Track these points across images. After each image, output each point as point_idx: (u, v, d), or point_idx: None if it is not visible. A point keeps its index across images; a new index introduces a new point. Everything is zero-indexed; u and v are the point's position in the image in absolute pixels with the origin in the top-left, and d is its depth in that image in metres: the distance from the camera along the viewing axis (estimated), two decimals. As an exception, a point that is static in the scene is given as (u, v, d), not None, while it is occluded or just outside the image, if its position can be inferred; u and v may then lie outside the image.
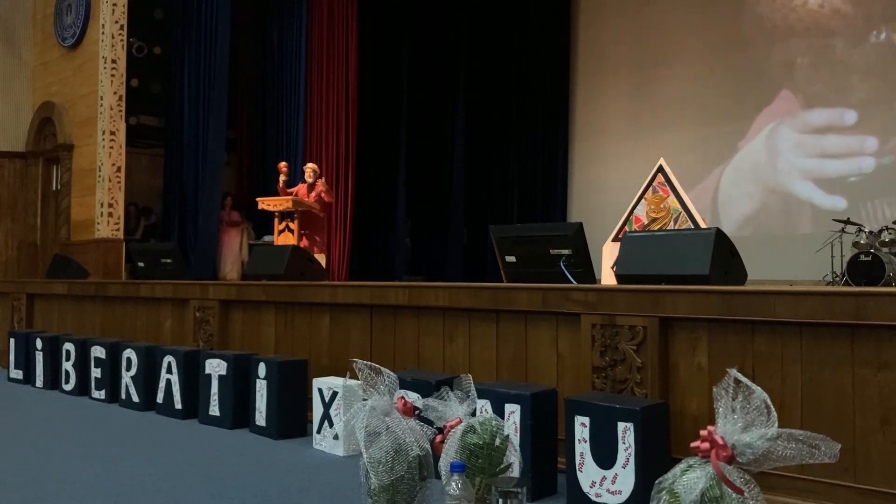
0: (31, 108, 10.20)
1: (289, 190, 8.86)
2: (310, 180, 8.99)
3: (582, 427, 3.01)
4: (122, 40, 9.08)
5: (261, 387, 4.44)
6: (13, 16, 10.28)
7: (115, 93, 8.98)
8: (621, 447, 2.88)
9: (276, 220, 8.79)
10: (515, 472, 2.77)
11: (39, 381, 6.30)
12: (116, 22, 9.01)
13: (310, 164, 9.23)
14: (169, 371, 5.03)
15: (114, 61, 8.99)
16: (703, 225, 7.17)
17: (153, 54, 10.59)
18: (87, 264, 8.32)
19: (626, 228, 7.30)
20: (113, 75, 8.97)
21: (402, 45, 12.42)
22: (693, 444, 1.90)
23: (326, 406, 4.04)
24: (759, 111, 10.48)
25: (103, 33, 9.00)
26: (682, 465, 1.92)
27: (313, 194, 8.87)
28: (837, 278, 8.98)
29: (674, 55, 12.00)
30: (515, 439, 3.08)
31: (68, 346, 5.99)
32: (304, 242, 8.61)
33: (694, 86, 11.77)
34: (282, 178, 8.83)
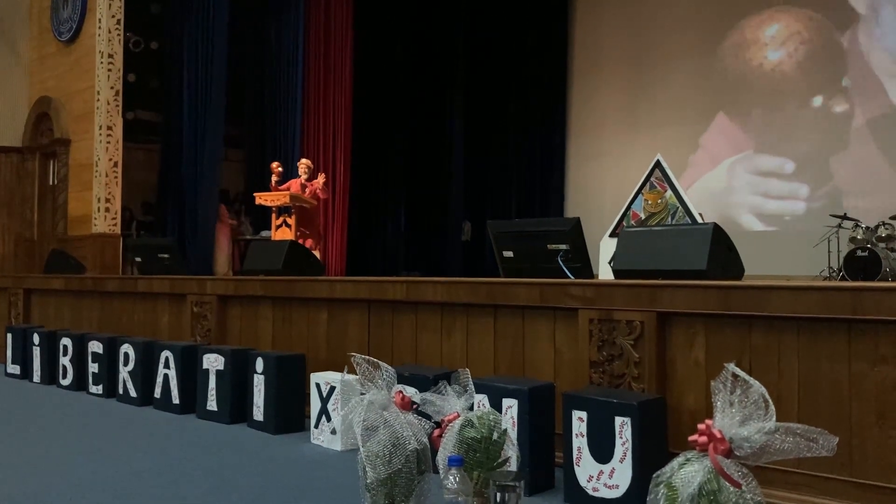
0: (28, 103, 10.18)
1: (280, 188, 8.85)
2: (304, 176, 8.99)
3: (579, 421, 3.01)
4: (119, 35, 9.06)
5: (258, 382, 4.45)
6: (9, 10, 10.25)
7: (112, 87, 8.96)
8: (618, 441, 2.89)
9: (274, 216, 8.79)
10: (513, 466, 2.77)
11: (37, 377, 6.30)
12: (113, 16, 8.99)
13: (304, 160, 9.23)
14: (166, 366, 5.04)
15: (111, 56, 8.97)
16: (700, 220, 7.17)
17: (150, 49, 10.57)
18: (85, 259, 8.32)
19: (624, 224, 7.30)
20: (110, 70, 8.95)
21: (399, 41, 12.41)
22: (691, 438, 1.91)
23: (324, 401, 4.04)
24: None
25: (100, 28, 8.98)
26: (679, 459, 1.93)
27: (308, 192, 8.87)
28: (834, 273, 9.00)
29: (670, 51, 12.02)
30: (513, 434, 3.09)
31: (66, 341, 5.99)
32: (308, 242, 8.65)
33: (691, 81, 11.80)
34: (274, 178, 8.85)
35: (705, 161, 11.53)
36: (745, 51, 11.17)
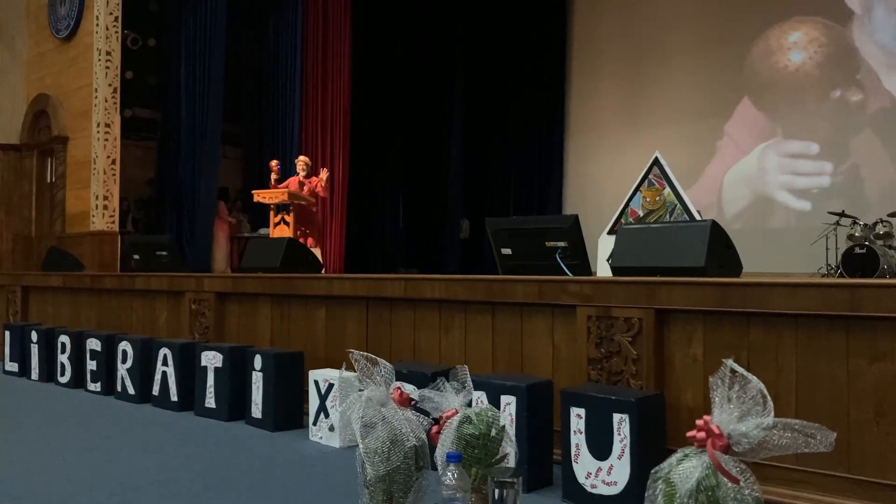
0: (26, 101, 10.16)
1: (280, 186, 8.85)
2: (302, 174, 8.99)
3: (577, 418, 3.01)
4: (116, 32, 9.04)
5: (257, 379, 4.45)
6: (7, 7, 10.23)
7: (109, 85, 8.95)
8: (616, 438, 2.89)
9: (272, 213, 8.79)
10: (511, 462, 2.78)
11: (35, 374, 6.30)
12: (111, 13, 8.97)
13: (301, 158, 9.22)
14: (165, 363, 5.03)
15: (108, 53, 8.95)
16: (698, 217, 7.17)
17: (148, 46, 10.54)
18: (83, 257, 8.31)
19: (622, 221, 7.30)
20: (108, 67, 8.93)
21: (398, 39, 12.40)
22: (689, 434, 1.91)
23: (322, 398, 4.04)
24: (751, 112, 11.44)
25: (98, 25, 8.96)
26: (678, 455, 1.93)
27: (307, 189, 8.87)
28: (832, 271, 9.01)
29: (669, 48, 12.04)
30: (511, 430, 3.09)
31: (64, 338, 5.99)
32: (309, 241, 8.65)
33: (689, 79, 11.82)
34: (273, 176, 8.85)
35: (702, 158, 11.66)
36: (747, 55, 11.58)
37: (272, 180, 8.85)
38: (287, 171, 9.32)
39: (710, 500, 1.81)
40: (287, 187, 8.78)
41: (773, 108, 11.30)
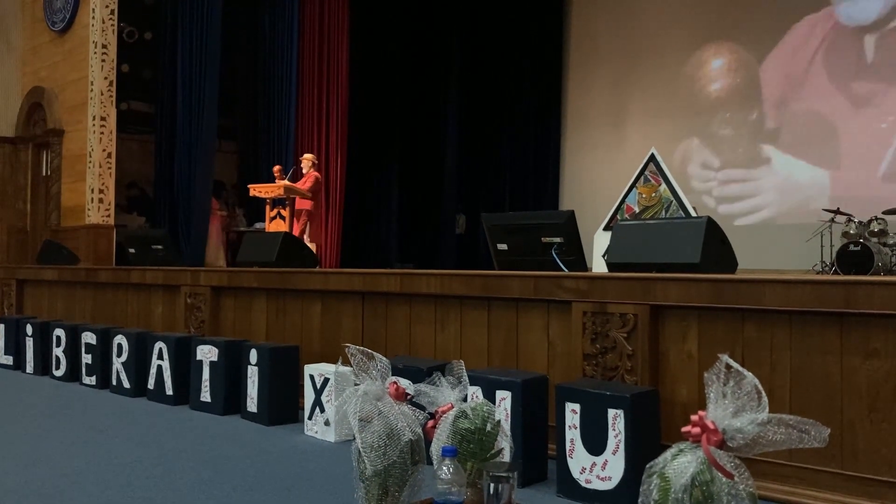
0: (21, 93, 10.13)
1: (297, 185, 8.87)
2: (306, 171, 9.03)
3: (572, 413, 3.02)
4: (112, 25, 9.02)
5: (252, 373, 4.45)
6: (2, 0, 10.19)
7: (105, 78, 8.92)
8: (611, 434, 2.90)
9: (268, 208, 8.79)
10: (506, 457, 2.78)
11: (30, 367, 6.29)
12: (107, 6, 8.95)
13: (306, 156, 9.27)
14: (160, 357, 5.03)
15: (104, 46, 8.93)
16: (694, 214, 7.19)
17: (144, 39, 10.52)
18: (78, 250, 8.30)
19: (618, 217, 7.31)
20: (103, 60, 8.91)
21: (395, 34, 12.37)
22: (684, 429, 1.91)
23: (318, 392, 4.04)
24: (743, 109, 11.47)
25: (93, 18, 8.93)
26: (672, 450, 1.93)
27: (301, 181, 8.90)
28: (827, 268, 9.04)
29: (666, 45, 12.05)
30: (506, 425, 3.10)
31: (59, 331, 5.98)
32: (304, 237, 8.68)
33: (686, 75, 11.84)
34: (278, 180, 8.88)
35: (698, 154, 11.71)
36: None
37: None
38: (286, 167, 9.32)
39: (705, 495, 1.82)
40: (306, 184, 8.79)
41: (770, 103, 11.30)
